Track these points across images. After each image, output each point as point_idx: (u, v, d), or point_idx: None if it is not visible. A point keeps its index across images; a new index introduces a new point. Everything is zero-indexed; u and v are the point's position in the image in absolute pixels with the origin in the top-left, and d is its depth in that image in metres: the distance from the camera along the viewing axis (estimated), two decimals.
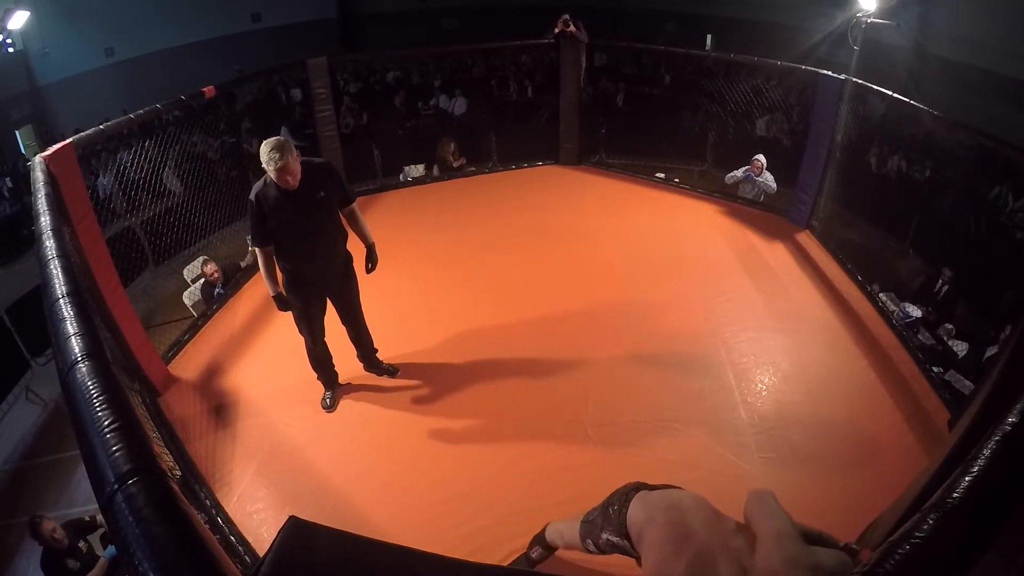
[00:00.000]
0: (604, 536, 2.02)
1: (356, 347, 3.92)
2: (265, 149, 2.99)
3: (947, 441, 2.71)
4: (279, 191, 3.13)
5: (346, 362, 3.94)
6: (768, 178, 6.51)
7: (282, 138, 3.07)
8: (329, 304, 3.65)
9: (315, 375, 3.85)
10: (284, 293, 3.41)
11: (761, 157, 6.59)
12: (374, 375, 4.03)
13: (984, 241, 7.19)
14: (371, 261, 3.63)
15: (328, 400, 3.83)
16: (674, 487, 1.97)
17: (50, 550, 3.88)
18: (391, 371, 4.05)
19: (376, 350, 4.02)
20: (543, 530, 2.64)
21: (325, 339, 3.69)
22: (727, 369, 4.07)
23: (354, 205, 3.51)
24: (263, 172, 3.09)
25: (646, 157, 7.86)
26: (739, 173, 6.71)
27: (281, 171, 3.00)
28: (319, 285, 3.49)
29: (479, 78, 12.68)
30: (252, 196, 3.16)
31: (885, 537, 1.30)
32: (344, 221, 3.50)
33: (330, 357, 3.80)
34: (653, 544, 1.75)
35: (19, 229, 9.97)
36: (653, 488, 1.97)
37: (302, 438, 3.61)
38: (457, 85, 11.99)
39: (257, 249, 3.33)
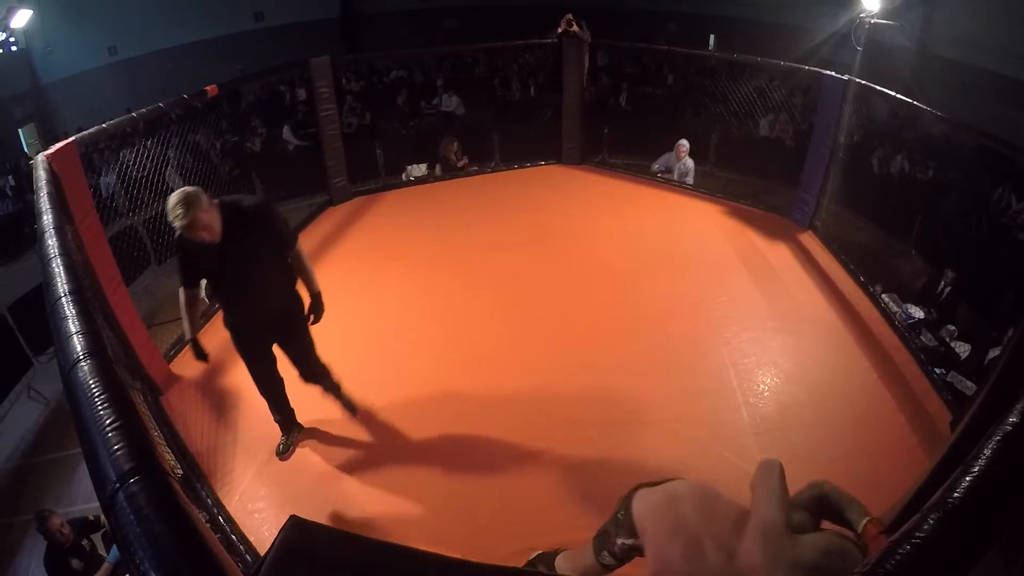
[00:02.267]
0: (619, 542, 2.02)
1: (314, 383, 3.52)
2: (170, 205, 2.64)
3: (948, 441, 2.71)
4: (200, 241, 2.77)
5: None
6: (689, 162, 7.22)
7: (191, 189, 2.70)
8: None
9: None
10: (198, 340, 3.12)
11: (684, 142, 7.22)
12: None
13: (987, 242, 7.17)
14: (315, 312, 3.22)
15: (281, 447, 3.50)
16: (674, 479, 1.98)
17: (54, 547, 3.88)
18: (351, 407, 3.71)
19: (339, 384, 3.65)
20: (554, 555, 2.59)
21: (278, 380, 3.38)
22: (729, 369, 4.06)
23: (296, 248, 3.11)
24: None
25: (649, 157, 7.85)
26: (660, 164, 7.43)
27: (189, 228, 2.67)
28: (258, 330, 3.16)
29: (481, 78, 12.69)
30: (175, 240, 2.85)
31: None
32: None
33: (286, 401, 3.47)
34: (651, 536, 1.77)
35: (21, 227, 9.99)
36: (653, 484, 1.98)
37: (303, 437, 3.61)
38: (457, 84, 12.00)
39: (180, 288, 3.05)
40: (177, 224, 2.65)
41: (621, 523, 1.99)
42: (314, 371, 3.44)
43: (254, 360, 3.25)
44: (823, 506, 1.59)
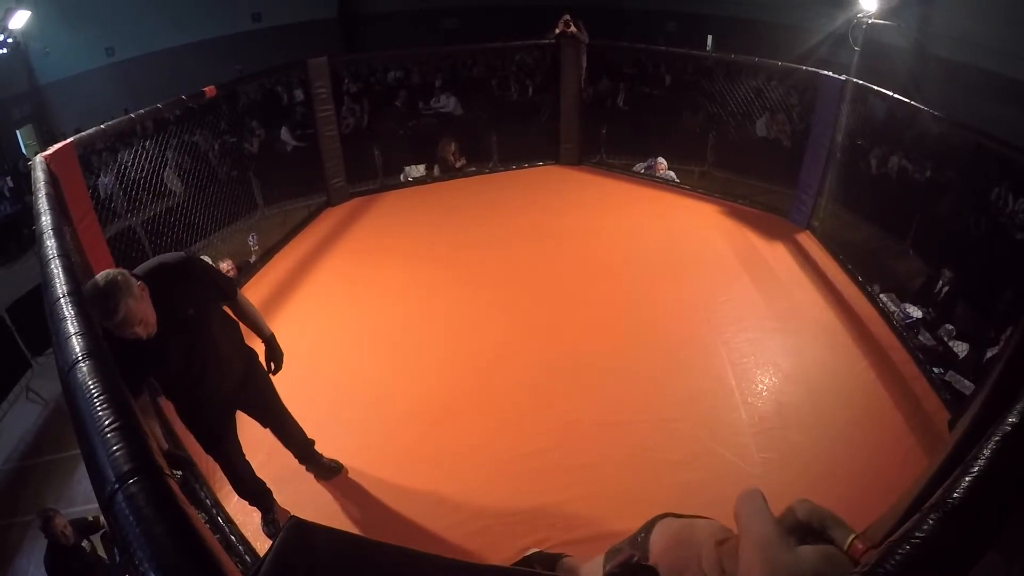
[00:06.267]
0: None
1: (288, 447, 3.19)
2: (90, 295, 2.01)
3: (947, 441, 2.71)
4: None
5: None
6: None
7: (113, 274, 2.09)
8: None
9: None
10: (174, 451, 2.64)
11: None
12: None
13: (984, 241, 7.18)
14: (274, 359, 2.84)
15: (271, 526, 3.10)
16: (701, 517, 1.99)
17: (55, 548, 3.88)
18: (334, 468, 3.36)
19: (312, 442, 3.27)
20: (556, 557, 2.58)
21: (247, 462, 2.96)
22: (727, 369, 4.07)
23: (238, 297, 2.70)
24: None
25: (647, 157, 7.87)
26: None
27: (122, 326, 2.09)
28: (222, 408, 2.76)
29: (480, 78, 12.69)
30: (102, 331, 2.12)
31: (885, 537, 1.30)
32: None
33: (258, 481, 3.05)
34: (656, 556, 1.80)
35: (20, 228, 9.99)
36: (680, 516, 2.00)
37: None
38: (455, 85, 12.01)
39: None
40: (107, 324, 2.06)
41: (639, 544, 2.01)
42: (286, 423, 3.11)
43: (224, 440, 2.81)
44: (805, 526, 1.59)
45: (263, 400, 2.93)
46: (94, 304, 2.01)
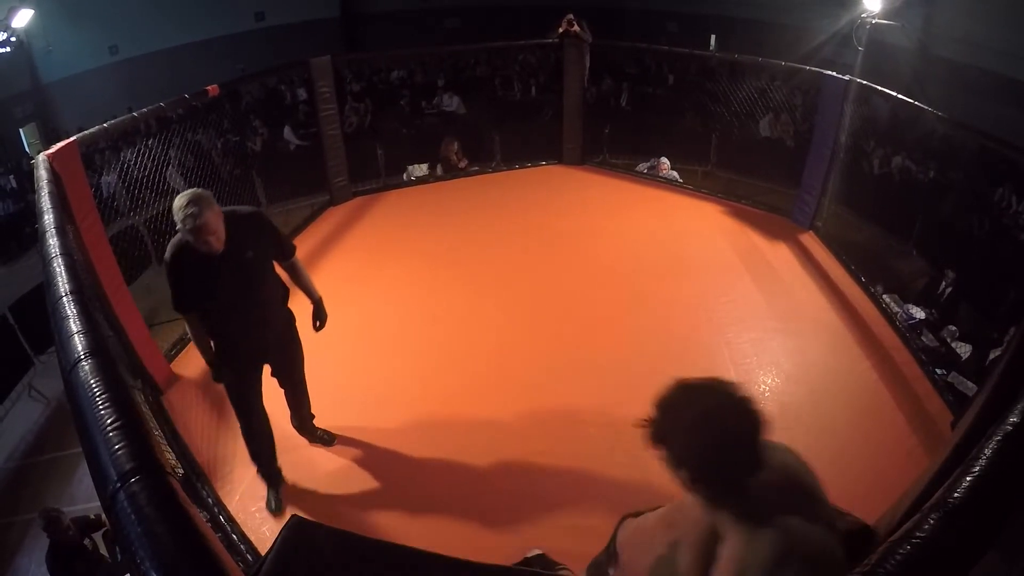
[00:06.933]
0: (611, 572, 2.03)
1: (291, 410, 3.44)
2: (179, 204, 2.46)
3: (949, 442, 2.71)
4: (199, 254, 2.58)
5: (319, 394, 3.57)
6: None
7: (200, 191, 2.54)
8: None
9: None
10: (219, 362, 2.91)
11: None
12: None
13: (987, 242, 7.16)
14: (319, 319, 3.13)
15: (274, 503, 3.20)
16: (658, 507, 1.98)
17: (57, 547, 3.87)
18: (326, 439, 3.58)
19: (313, 416, 3.54)
20: (553, 565, 2.58)
21: (268, 423, 3.19)
22: (730, 370, 4.06)
23: (294, 258, 3.01)
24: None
25: (649, 157, 7.87)
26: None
27: (200, 231, 2.47)
28: (256, 356, 3.02)
29: (482, 78, 12.70)
30: (167, 258, 2.65)
31: (886, 537, 1.30)
32: (285, 276, 3.05)
33: (272, 445, 3.23)
34: (625, 559, 1.79)
35: (22, 227, 10.00)
36: (638, 514, 1.99)
37: (304, 437, 3.61)
38: (458, 84, 12.02)
39: (182, 315, 2.84)
40: (188, 225, 2.44)
41: (613, 554, 2.00)
42: (300, 391, 3.35)
43: (244, 390, 3.02)
44: None
45: (290, 365, 3.20)
46: (181, 207, 2.44)
